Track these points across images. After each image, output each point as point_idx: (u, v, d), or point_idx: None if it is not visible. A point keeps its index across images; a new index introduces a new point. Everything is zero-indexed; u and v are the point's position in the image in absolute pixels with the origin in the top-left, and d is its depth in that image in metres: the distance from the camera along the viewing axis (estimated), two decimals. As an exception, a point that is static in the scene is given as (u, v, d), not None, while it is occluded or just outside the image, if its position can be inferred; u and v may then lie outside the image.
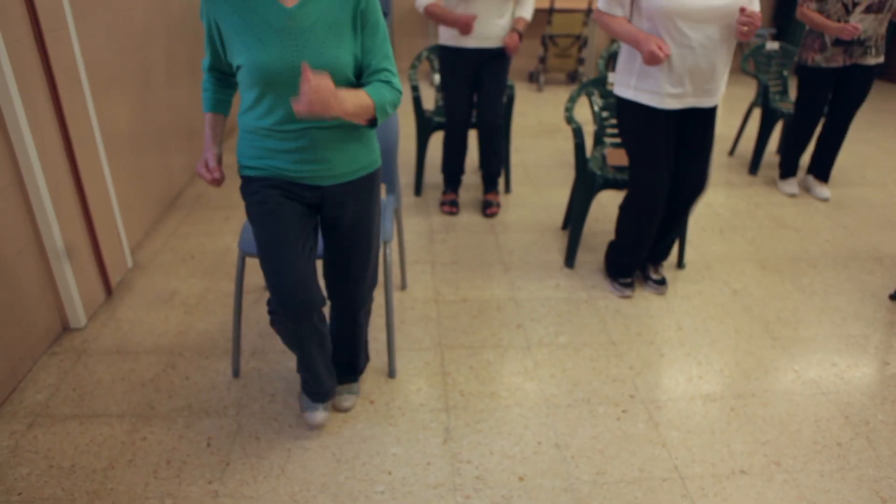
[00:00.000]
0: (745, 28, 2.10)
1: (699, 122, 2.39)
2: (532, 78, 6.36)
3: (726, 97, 5.87)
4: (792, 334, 2.47)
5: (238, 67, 1.52)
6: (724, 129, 4.98)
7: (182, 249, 2.96)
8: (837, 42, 3.27)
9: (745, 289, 2.78)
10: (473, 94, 3.23)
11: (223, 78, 1.72)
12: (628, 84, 2.36)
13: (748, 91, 6.11)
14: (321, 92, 1.37)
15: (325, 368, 1.88)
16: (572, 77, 6.38)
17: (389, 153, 2.21)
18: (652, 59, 2.14)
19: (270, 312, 1.70)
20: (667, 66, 2.22)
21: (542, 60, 6.02)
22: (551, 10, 5.68)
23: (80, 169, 2.35)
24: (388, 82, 1.58)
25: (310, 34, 1.48)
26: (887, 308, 2.66)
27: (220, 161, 1.71)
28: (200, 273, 2.77)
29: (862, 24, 3.17)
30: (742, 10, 2.10)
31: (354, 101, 1.48)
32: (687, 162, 2.48)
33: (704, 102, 2.31)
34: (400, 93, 1.61)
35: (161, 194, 3.27)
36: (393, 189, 2.29)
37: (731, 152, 4.45)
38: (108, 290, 2.58)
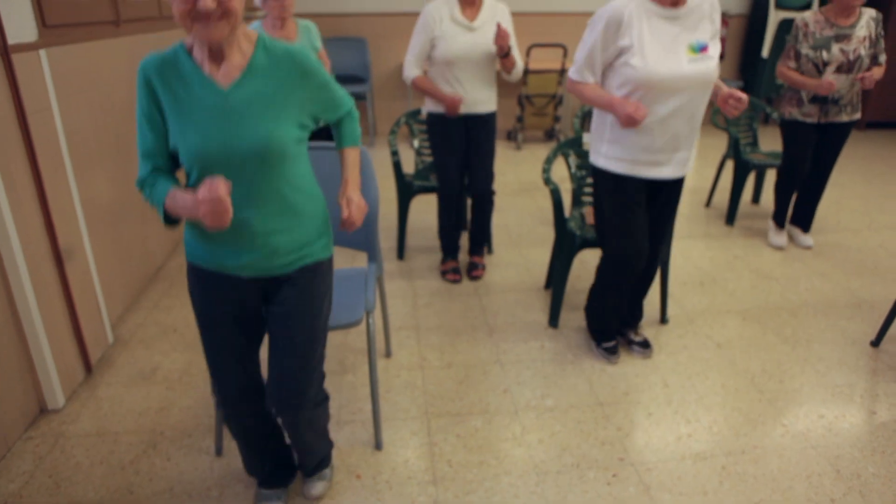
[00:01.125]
0: (735, 112, 2.18)
1: (669, 194, 2.41)
2: (510, 136, 6.50)
3: (700, 148, 6.02)
4: (778, 387, 2.48)
5: (175, 150, 1.47)
6: (699, 180, 5.09)
7: (164, 323, 2.93)
8: (813, 99, 3.41)
9: (729, 342, 2.79)
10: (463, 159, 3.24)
11: (170, 169, 1.57)
12: (599, 151, 2.37)
13: (721, 142, 6.28)
14: (363, 210, 1.61)
15: (277, 455, 1.87)
16: (549, 134, 6.53)
17: (370, 219, 2.21)
18: (629, 122, 2.11)
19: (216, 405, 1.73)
20: (639, 133, 2.24)
21: (520, 119, 6.17)
22: (526, 71, 5.86)
23: (60, 245, 2.35)
24: (352, 116, 1.73)
25: (245, 111, 1.42)
26: (869, 355, 2.68)
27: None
28: (183, 347, 2.74)
29: (836, 83, 3.30)
30: (732, 94, 2.16)
31: (358, 180, 1.70)
32: (652, 235, 2.47)
33: (678, 172, 2.32)
34: (357, 112, 1.75)
35: (142, 267, 3.26)
36: (374, 257, 2.29)
37: (708, 203, 4.54)
38: (88, 367, 2.54)
